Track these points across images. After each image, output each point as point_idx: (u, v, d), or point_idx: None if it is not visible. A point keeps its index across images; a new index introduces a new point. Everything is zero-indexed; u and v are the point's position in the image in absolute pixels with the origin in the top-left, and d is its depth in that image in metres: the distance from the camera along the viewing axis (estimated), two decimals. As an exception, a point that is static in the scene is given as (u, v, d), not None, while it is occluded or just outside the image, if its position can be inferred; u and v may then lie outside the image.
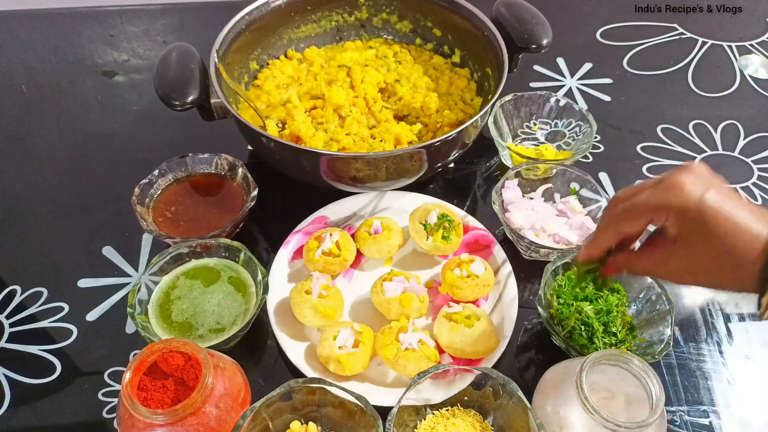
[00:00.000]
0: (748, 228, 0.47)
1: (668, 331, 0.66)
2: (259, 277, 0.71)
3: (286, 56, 1.03)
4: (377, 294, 0.72)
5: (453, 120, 0.91)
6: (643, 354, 0.66)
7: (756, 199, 0.90)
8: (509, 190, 0.83)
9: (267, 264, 0.78)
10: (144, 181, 0.80)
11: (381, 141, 0.87)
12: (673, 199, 0.48)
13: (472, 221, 0.82)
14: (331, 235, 0.76)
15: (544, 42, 0.87)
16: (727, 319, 0.76)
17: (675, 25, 1.20)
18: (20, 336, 0.73)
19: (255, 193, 0.79)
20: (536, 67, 1.09)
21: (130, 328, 0.74)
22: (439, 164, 0.83)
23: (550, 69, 1.09)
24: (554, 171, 0.84)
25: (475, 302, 0.74)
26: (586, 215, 0.81)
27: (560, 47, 1.10)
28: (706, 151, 0.96)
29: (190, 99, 0.77)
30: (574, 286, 0.71)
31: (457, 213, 0.82)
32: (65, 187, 0.90)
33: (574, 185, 0.83)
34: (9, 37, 1.14)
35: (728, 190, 0.49)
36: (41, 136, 0.97)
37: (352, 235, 0.79)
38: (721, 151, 0.96)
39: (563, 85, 1.07)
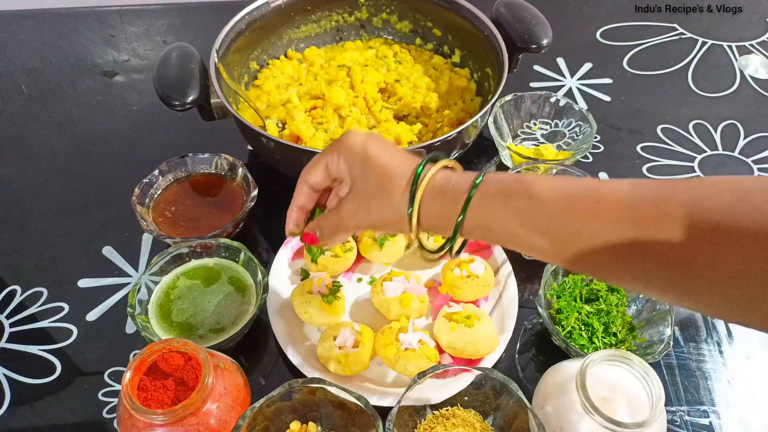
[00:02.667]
0: (398, 169, 0.52)
1: (668, 331, 0.66)
2: (259, 277, 0.71)
3: (286, 56, 1.03)
4: (377, 294, 0.72)
5: (453, 120, 0.91)
6: (643, 354, 0.66)
7: (756, 199, 0.89)
8: (509, 190, 0.82)
9: (267, 264, 0.78)
10: (144, 181, 0.81)
11: (381, 141, 0.87)
12: (342, 146, 0.54)
13: (472, 221, 0.82)
14: None
15: (544, 42, 0.87)
16: (727, 319, 0.76)
17: (675, 25, 1.20)
18: (20, 336, 0.73)
19: (255, 193, 0.79)
20: (536, 67, 1.09)
21: (130, 328, 0.74)
22: (439, 164, 0.83)
23: (550, 69, 1.09)
24: (554, 171, 0.84)
25: (475, 302, 0.74)
26: (586, 215, 0.81)
27: (560, 47, 1.10)
28: (706, 151, 0.96)
29: (190, 99, 0.77)
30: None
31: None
32: (65, 187, 0.90)
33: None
34: (9, 37, 1.14)
35: (389, 143, 0.55)
36: (41, 136, 0.97)
37: (355, 240, 0.79)
38: (721, 151, 0.96)
39: (563, 85, 1.07)
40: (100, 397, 0.68)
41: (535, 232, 0.46)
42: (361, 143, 0.53)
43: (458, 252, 0.54)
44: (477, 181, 0.48)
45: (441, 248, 0.55)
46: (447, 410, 0.63)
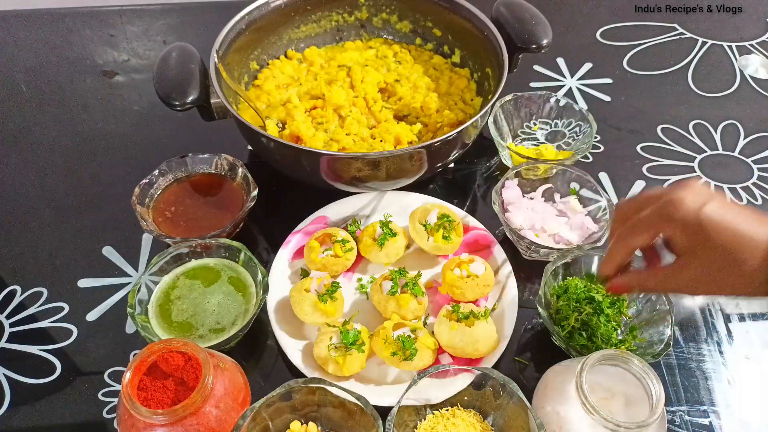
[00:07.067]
0: (748, 235, 0.49)
1: (668, 331, 0.66)
2: (259, 277, 0.71)
3: (286, 56, 1.03)
4: (377, 292, 0.72)
5: (453, 120, 0.91)
6: (643, 354, 0.66)
7: (756, 199, 0.90)
8: (509, 190, 0.83)
9: (267, 264, 0.78)
10: (144, 181, 0.80)
11: (381, 141, 0.87)
12: (676, 213, 0.50)
13: (472, 221, 0.82)
14: (334, 238, 0.77)
15: (544, 42, 0.87)
16: (727, 319, 0.76)
17: (675, 25, 1.20)
18: (20, 336, 0.73)
19: (255, 193, 0.79)
20: (536, 67, 1.09)
21: (130, 328, 0.74)
22: (439, 164, 0.83)
23: (550, 69, 1.09)
24: (554, 171, 0.84)
25: (475, 302, 0.74)
26: (586, 215, 0.81)
27: (560, 47, 1.10)
28: (706, 151, 0.96)
29: (190, 99, 0.77)
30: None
31: (457, 213, 0.82)
32: (65, 187, 0.90)
33: (574, 185, 0.83)
34: (9, 37, 1.14)
35: (727, 202, 0.51)
36: (41, 136, 0.97)
37: (355, 240, 0.79)
38: (721, 151, 0.96)
39: (563, 85, 1.07)
40: (100, 397, 0.68)
41: None
42: (697, 208, 0.50)
43: None
44: None
45: None
46: (447, 410, 0.63)
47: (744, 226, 0.49)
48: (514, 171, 0.82)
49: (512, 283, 0.75)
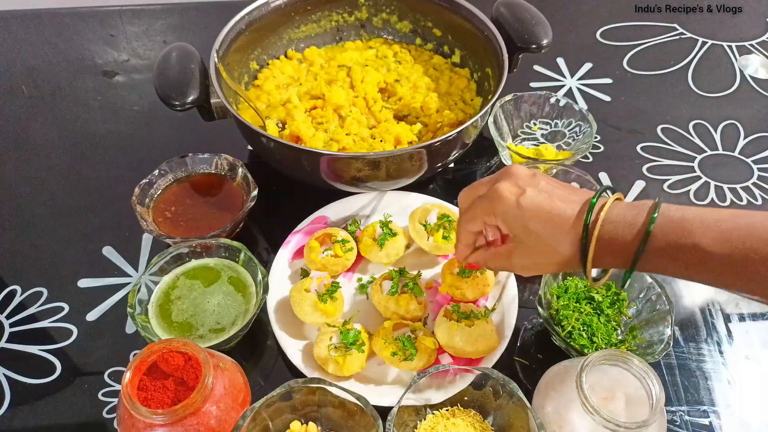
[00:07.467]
0: (558, 214, 0.53)
1: (668, 331, 0.66)
2: (259, 277, 0.71)
3: (286, 56, 1.03)
4: (377, 292, 0.72)
5: (453, 120, 0.91)
6: (643, 354, 0.66)
7: (756, 200, 0.90)
8: (509, 190, 0.82)
9: (267, 264, 0.78)
10: (144, 181, 0.81)
11: (381, 141, 0.87)
12: (496, 207, 0.56)
13: (472, 221, 0.82)
14: (334, 238, 0.77)
15: (544, 42, 0.87)
16: (727, 319, 0.76)
17: (675, 25, 1.20)
18: (20, 336, 0.73)
19: (255, 193, 0.79)
20: (536, 67, 1.09)
21: (130, 328, 0.74)
22: (439, 164, 0.83)
23: (550, 69, 1.09)
24: (554, 171, 0.84)
25: (475, 302, 0.74)
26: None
27: (560, 47, 1.10)
28: (706, 151, 0.96)
29: (190, 99, 0.77)
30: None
31: (457, 213, 0.82)
32: (65, 187, 0.90)
33: (574, 185, 0.83)
34: (9, 37, 1.14)
35: (544, 186, 0.55)
36: (41, 136, 0.97)
37: (355, 240, 0.79)
38: (721, 151, 0.96)
39: (563, 85, 1.07)
40: (100, 397, 0.68)
41: (705, 280, 0.50)
42: (514, 201, 0.54)
43: (624, 284, 0.57)
44: (641, 248, 0.50)
45: (602, 276, 0.58)
46: (447, 410, 0.63)
47: (555, 207, 0.53)
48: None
49: (512, 283, 0.75)
